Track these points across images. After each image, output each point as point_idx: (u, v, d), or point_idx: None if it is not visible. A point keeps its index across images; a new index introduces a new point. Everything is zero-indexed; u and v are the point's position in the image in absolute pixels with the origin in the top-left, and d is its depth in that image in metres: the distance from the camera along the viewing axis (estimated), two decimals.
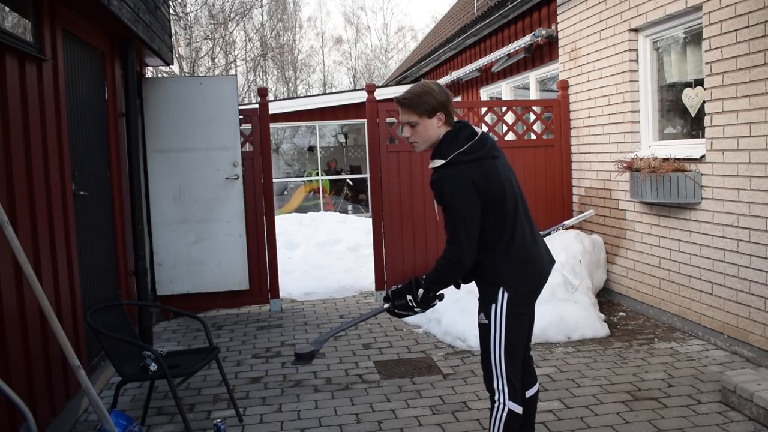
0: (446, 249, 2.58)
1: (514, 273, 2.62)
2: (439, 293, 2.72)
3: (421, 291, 2.66)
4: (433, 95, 2.63)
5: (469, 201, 2.53)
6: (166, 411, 3.99)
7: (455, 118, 2.74)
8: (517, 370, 2.68)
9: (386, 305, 2.78)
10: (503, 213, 2.60)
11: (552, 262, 2.80)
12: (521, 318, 2.66)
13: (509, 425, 2.62)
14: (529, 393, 2.88)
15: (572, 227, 6.76)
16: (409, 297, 2.69)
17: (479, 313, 2.68)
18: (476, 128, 2.70)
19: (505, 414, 2.62)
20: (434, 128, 2.66)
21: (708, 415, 3.63)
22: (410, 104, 2.65)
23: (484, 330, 2.66)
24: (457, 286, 2.82)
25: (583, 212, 6.48)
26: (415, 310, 2.70)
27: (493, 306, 2.61)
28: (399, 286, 2.76)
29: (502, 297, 2.60)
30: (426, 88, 2.65)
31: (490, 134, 6.72)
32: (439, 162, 2.62)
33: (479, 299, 2.69)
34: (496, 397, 2.65)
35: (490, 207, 2.57)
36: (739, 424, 3.49)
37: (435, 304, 2.74)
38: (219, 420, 3.54)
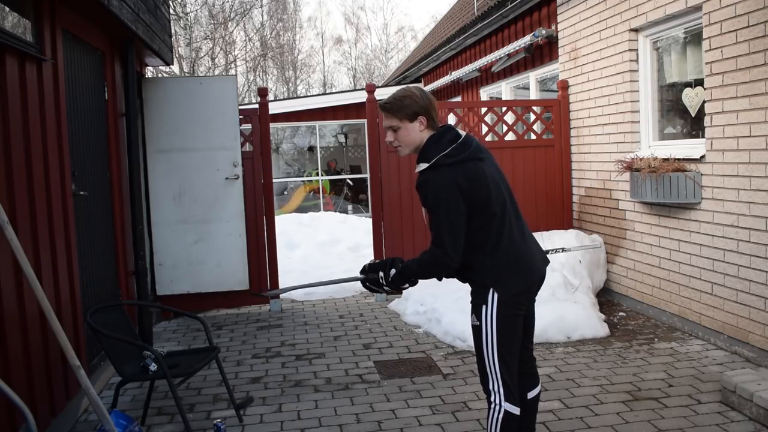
0: (430, 250, 2.59)
1: (502, 273, 2.61)
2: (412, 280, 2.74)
3: (393, 271, 2.71)
4: (414, 99, 2.65)
5: (453, 203, 2.53)
6: (166, 411, 3.99)
7: (439, 123, 2.73)
8: (513, 371, 2.67)
9: (361, 276, 2.84)
10: (490, 214, 2.59)
11: (546, 262, 2.80)
12: (513, 319, 2.64)
13: (506, 426, 2.62)
14: (531, 395, 2.87)
15: (571, 227, 6.77)
16: (381, 274, 2.73)
17: (471, 314, 2.68)
18: (460, 131, 2.70)
19: (501, 415, 2.62)
20: (416, 132, 2.67)
21: (708, 415, 3.63)
22: (391, 109, 2.68)
23: (477, 332, 2.67)
24: (439, 278, 2.82)
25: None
26: (384, 288, 2.76)
27: (484, 307, 2.61)
28: (377, 261, 2.82)
29: (492, 298, 2.60)
30: (407, 93, 2.68)
31: (490, 134, 6.75)
32: (423, 165, 2.63)
33: (471, 301, 2.70)
34: (492, 398, 2.66)
35: (475, 209, 2.57)
36: (739, 424, 3.49)
37: (406, 288, 2.79)
38: (219, 420, 3.54)
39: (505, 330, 2.62)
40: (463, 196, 2.54)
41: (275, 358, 4.97)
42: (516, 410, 2.64)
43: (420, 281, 2.75)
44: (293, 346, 5.25)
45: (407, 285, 2.74)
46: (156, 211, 6.13)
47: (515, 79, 8.67)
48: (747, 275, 4.40)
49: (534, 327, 2.89)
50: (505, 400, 2.63)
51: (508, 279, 2.62)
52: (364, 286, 2.85)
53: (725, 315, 4.63)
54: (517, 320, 2.67)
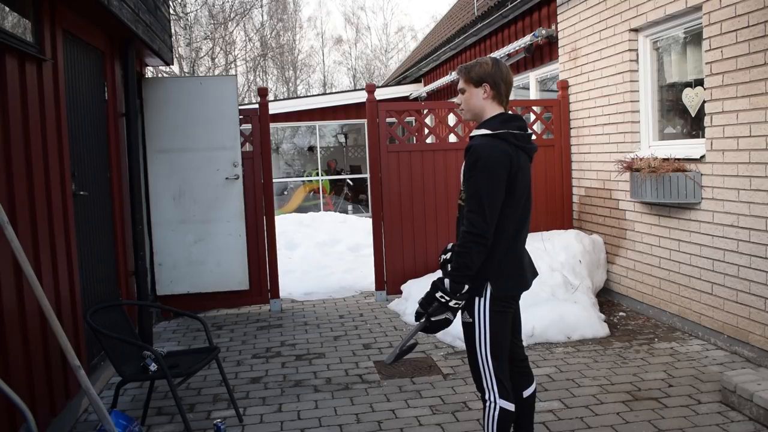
0: (467, 222, 2.52)
1: (504, 272, 2.63)
2: (466, 284, 2.57)
3: (447, 281, 2.56)
4: (484, 67, 2.68)
5: (501, 176, 2.54)
6: (166, 411, 3.99)
7: (507, 103, 2.74)
8: (505, 368, 2.69)
9: (422, 320, 2.65)
10: (512, 213, 2.62)
11: (535, 275, 2.82)
12: (504, 315, 2.67)
13: (502, 423, 2.64)
14: (526, 393, 2.89)
15: (571, 227, 6.76)
16: (438, 294, 2.56)
17: (462, 312, 2.68)
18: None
19: (497, 412, 2.64)
20: (478, 98, 2.69)
21: (708, 415, 3.63)
22: (461, 71, 2.75)
23: (469, 329, 2.67)
24: (479, 261, 2.61)
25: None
26: (450, 305, 2.55)
27: (477, 300, 2.61)
28: (420, 300, 2.66)
29: (485, 293, 2.61)
30: (481, 61, 2.72)
31: None
32: (484, 131, 2.63)
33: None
34: (487, 396, 2.67)
35: (508, 198, 2.58)
36: (739, 424, 3.49)
37: (466, 294, 2.58)
38: (219, 420, 3.54)
39: (496, 326, 2.64)
40: (507, 176, 2.55)
41: (275, 358, 4.97)
42: (511, 407, 2.66)
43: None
44: (293, 346, 5.25)
45: (466, 284, 2.56)
46: (156, 211, 6.13)
47: (515, 79, 8.65)
48: (747, 275, 4.40)
49: (521, 322, 2.91)
50: (500, 397, 2.65)
51: (506, 279, 2.64)
52: (430, 326, 2.62)
53: (725, 315, 4.63)
54: (506, 317, 2.70)
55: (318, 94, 22.03)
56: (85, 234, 4.38)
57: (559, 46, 6.91)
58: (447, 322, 2.61)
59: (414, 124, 9.11)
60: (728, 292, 4.59)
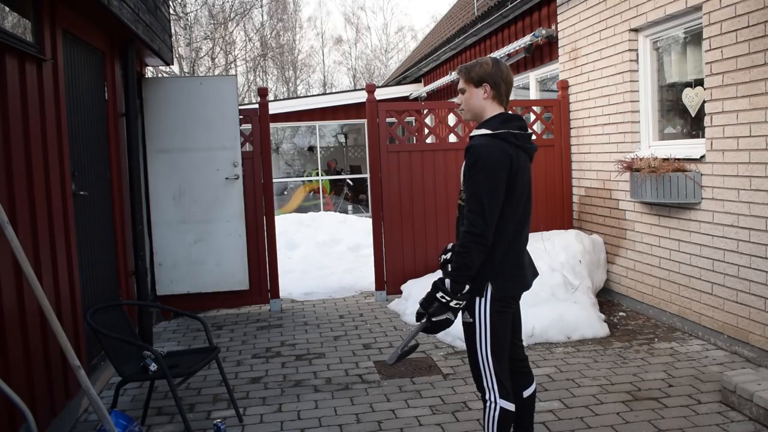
0: (467, 222, 2.53)
1: (505, 273, 2.63)
2: (466, 283, 2.57)
3: (448, 281, 2.56)
4: (484, 67, 2.69)
5: (501, 175, 2.54)
6: (166, 411, 3.99)
7: (508, 103, 2.74)
8: (505, 368, 2.70)
9: (423, 320, 2.65)
10: (512, 213, 2.62)
11: (535, 275, 2.82)
12: (504, 315, 2.67)
13: (503, 423, 2.65)
14: (527, 393, 2.89)
15: (571, 227, 6.76)
16: (439, 294, 2.56)
17: (463, 312, 2.68)
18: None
19: (497, 413, 2.64)
20: (478, 98, 2.70)
21: (708, 415, 3.63)
22: (461, 71, 2.75)
23: (469, 329, 2.67)
24: (479, 260, 2.60)
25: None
26: (451, 305, 2.55)
27: (477, 300, 2.62)
28: (421, 300, 2.66)
29: (486, 293, 2.61)
30: (481, 61, 2.72)
31: None
32: (485, 131, 2.64)
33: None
34: (487, 396, 2.68)
35: (509, 197, 2.58)
36: (739, 424, 3.49)
37: (467, 295, 2.58)
38: (219, 420, 3.54)
39: (496, 326, 2.64)
40: (508, 176, 2.56)
41: (275, 358, 4.97)
42: (511, 407, 2.67)
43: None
44: (293, 346, 5.25)
45: (467, 284, 2.56)
46: (156, 211, 6.13)
47: (515, 79, 8.65)
48: (747, 275, 4.40)
49: (521, 322, 2.91)
50: (500, 397, 2.65)
51: (506, 279, 2.65)
52: (431, 326, 2.62)
53: (725, 315, 4.63)
54: (507, 317, 2.70)
55: (318, 94, 22.03)
56: (85, 234, 4.38)
57: (559, 46, 6.91)
58: (448, 323, 2.61)
59: (414, 124, 9.11)
60: (728, 292, 4.59)
